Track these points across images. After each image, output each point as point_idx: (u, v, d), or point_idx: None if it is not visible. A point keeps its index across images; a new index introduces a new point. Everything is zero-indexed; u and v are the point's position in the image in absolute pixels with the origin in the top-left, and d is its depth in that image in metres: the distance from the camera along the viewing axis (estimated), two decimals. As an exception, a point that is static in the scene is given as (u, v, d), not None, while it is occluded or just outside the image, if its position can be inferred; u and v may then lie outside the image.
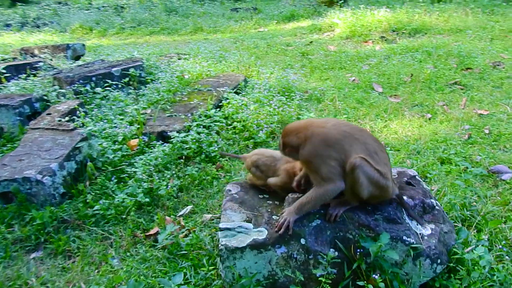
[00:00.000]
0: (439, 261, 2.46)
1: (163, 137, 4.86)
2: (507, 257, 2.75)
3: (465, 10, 11.23)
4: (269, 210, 2.74)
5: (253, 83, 6.44)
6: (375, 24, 10.37)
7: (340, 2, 13.11)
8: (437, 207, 2.73)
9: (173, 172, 4.34)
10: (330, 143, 2.50)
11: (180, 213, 3.93)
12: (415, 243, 2.41)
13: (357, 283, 2.39)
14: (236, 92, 5.93)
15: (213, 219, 3.75)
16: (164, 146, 4.55)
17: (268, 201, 2.85)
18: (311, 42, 10.03)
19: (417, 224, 2.58)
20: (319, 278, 2.42)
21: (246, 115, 5.13)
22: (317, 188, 2.51)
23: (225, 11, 15.09)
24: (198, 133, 4.77)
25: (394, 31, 10.18)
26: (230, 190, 2.95)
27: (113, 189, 4.04)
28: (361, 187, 2.43)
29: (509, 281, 2.48)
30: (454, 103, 5.78)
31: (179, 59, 7.71)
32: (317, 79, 7.19)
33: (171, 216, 3.83)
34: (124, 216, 3.79)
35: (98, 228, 3.69)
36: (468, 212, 3.28)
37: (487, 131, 4.79)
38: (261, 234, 2.52)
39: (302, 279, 2.44)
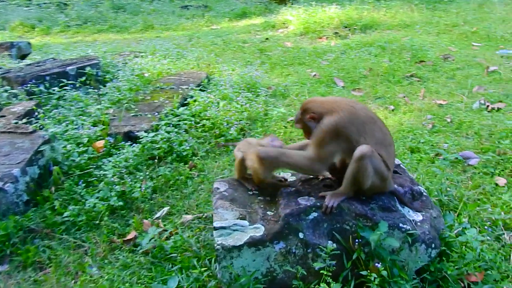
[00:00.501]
0: (433, 245, 2.51)
1: (130, 137, 4.66)
2: (488, 237, 2.86)
3: (411, 6, 11.68)
4: (262, 206, 2.68)
5: (216, 80, 6.34)
6: (327, 20, 10.54)
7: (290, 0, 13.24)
8: (424, 194, 2.79)
9: (146, 173, 4.17)
10: (355, 122, 2.48)
11: (157, 215, 3.78)
12: (411, 229, 2.45)
13: (360, 272, 2.38)
14: (200, 90, 5.80)
15: (194, 220, 3.64)
16: (133, 146, 4.36)
17: (258, 197, 2.78)
18: (266, 39, 10.04)
19: (409, 211, 2.61)
20: (320, 271, 2.39)
21: (214, 113, 5.03)
22: (306, 156, 2.55)
23: (175, 9, 14.79)
24: (168, 132, 4.62)
25: (346, 27, 10.39)
26: (218, 188, 2.85)
27: (82, 194, 3.82)
28: (366, 177, 2.42)
29: (498, 260, 2.58)
30: (414, 94, 5.97)
31: (136, 57, 7.45)
32: (278, 75, 7.20)
33: (148, 219, 3.67)
34: (97, 222, 3.60)
35: (70, 236, 3.47)
36: (446, 198, 3.38)
37: (449, 120, 4.98)
38: (258, 230, 2.45)
39: (305, 273, 2.40)
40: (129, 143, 4.43)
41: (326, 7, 11.25)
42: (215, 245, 2.43)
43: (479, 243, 2.54)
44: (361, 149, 2.41)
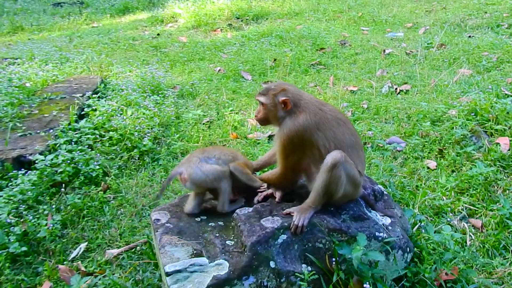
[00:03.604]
0: (408, 249, 2.35)
1: (22, 163, 3.88)
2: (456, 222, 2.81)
3: (297, -6, 11.84)
4: (217, 234, 2.27)
5: (113, 84, 5.65)
6: (217, 12, 10.21)
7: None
8: (385, 193, 2.62)
9: (51, 205, 3.47)
10: (321, 127, 2.29)
11: (73, 255, 3.17)
12: (387, 237, 2.24)
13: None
14: (99, 97, 5.10)
15: (121, 254, 3.09)
16: (29, 174, 3.61)
17: (209, 224, 2.36)
18: (158, 34, 9.38)
19: (377, 215, 2.41)
20: (299, 302, 2.08)
21: (121, 122, 4.42)
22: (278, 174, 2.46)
23: (46, 7, 13.26)
24: (70, 151, 3.92)
25: (238, 18, 10.16)
26: (158, 220, 2.37)
27: (-32, 245, 3.04)
28: (339, 185, 2.15)
29: (472, 255, 2.52)
30: (323, 82, 5.93)
31: (10, 64, 6.36)
32: (180, 72, 6.70)
33: (64, 262, 3.04)
34: (-4, 277, 2.88)
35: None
36: (390, 189, 3.29)
37: (365, 106, 4.99)
38: (222, 267, 2.05)
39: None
40: (22, 171, 3.66)
41: (214, -2, 10.92)
42: (172, 294, 1.98)
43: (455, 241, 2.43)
44: (333, 156, 2.14)
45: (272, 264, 2.10)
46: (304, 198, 2.35)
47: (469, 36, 7.00)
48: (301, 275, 2.09)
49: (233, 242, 2.20)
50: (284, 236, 2.16)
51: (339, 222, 2.23)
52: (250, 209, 2.36)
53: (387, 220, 2.40)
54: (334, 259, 2.16)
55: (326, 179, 2.17)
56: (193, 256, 2.11)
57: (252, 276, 2.07)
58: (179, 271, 2.02)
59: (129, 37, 9.13)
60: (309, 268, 2.14)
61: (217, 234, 2.26)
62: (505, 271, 2.58)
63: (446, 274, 2.36)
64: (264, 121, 2.53)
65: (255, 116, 2.56)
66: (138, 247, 3.13)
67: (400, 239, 2.30)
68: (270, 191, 2.50)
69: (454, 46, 6.61)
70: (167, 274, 2.01)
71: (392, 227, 2.35)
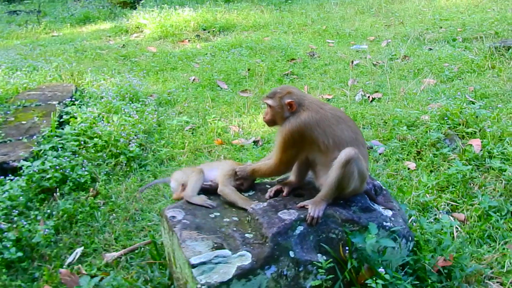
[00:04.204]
0: (410, 238, 2.52)
1: (4, 170, 3.78)
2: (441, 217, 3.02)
3: (261, 8, 12.11)
4: (235, 228, 2.34)
5: (90, 92, 5.58)
6: (183, 23, 10.25)
7: (138, 3, 12.57)
8: (384, 188, 2.79)
9: (43, 211, 3.40)
10: (321, 124, 2.44)
11: (69, 260, 3.13)
12: (393, 226, 2.40)
13: (361, 281, 2.24)
14: (80, 105, 5.03)
15: (120, 258, 3.08)
16: (16, 180, 3.52)
17: (224, 219, 2.43)
18: (123, 45, 9.30)
19: (379, 208, 2.57)
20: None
21: (105, 129, 4.38)
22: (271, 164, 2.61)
23: (1, 14, 12.80)
24: (58, 157, 3.85)
25: (204, 29, 10.25)
26: (174, 217, 2.41)
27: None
28: (352, 180, 2.30)
29: (462, 245, 2.73)
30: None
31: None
32: (155, 81, 6.70)
33: (63, 267, 2.99)
34: (-8, 285, 2.80)
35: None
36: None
37: (342, 113, 5.20)
38: (245, 258, 2.13)
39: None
40: (9, 177, 3.56)
41: (179, 9, 10.97)
42: (197, 285, 2.03)
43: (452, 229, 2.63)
44: (347, 153, 2.29)
45: (291, 254, 2.21)
46: (312, 193, 2.49)
47: (429, 49, 7.46)
48: (318, 264, 2.20)
49: (252, 235, 2.28)
50: (301, 228, 2.28)
51: (350, 213, 2.37)
52: (265, 203, 2.45)
53: (389, 213, 2.56)
54: (347, 248, 2.29)
55: (340, 174, 2.31)
56: (214, 249, 2.17)
57: (273, 265, 2.16)
58: (204, 263, 2.08)
59: (95, 46, 8.99)
60: (324, 257, 2.26)
61: (235, 228, 2.34)
62: (493, 257, 2.82)
63: (445, 260, 2.54)
64: (271, 122, 2.69)
65: (263, 118, 2.71)
66: (137, 250, 3.13)
67: (403, 229, 2.47)
68: (279, 186, 2.62)
69: (417, 57, 7.02)
70: (193, 266, 2.07)
71: (394, 218, 2.52)
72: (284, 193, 2.59)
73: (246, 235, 2.28)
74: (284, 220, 2.28)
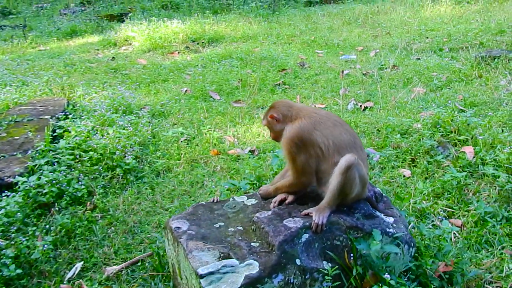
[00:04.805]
0: (412, 244, 2.55)
1: (0, 186, 3.73)
2: (439, 223, 3.06)
3: (249, 19, 12.21)
4: (240, 238, 2.35)
5: (82, 105, 5.56)
6: (172, 35, 10.29)
7: (126, 16, 12.60)
8: (384, 195, 2.83)
9: (40, 226, 3.37)
10: (318, 128, 2.49)
11: (69, 275, 3.09)
12: (396, 232, 2.43)
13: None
14: (73, 119, 5.01)
15: (121, 271, 3.06)
16: (12, 196, 3.49)
17: (229, 229, 2.44)
18: (113, 57, 9.29)
19: (380, 215, 2.60)
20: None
21: (100, 141, 4.37)
22: (291, 179, 2.61)
23: (-15, 30, 12.72)
24: (54, 171, 3.82)
25: (194, 41, 10.30)
26: (179, 228, 2.41)
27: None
28: (354, 186, 2.33)
29: (460, 250, 2.77)
30: (291, 100, 6.16)
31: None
32: (146, 93, 6.69)
33: (64, 282, 2.96)
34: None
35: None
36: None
37: (335, 122, 5.26)
38: (252, 267, 2.13)
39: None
40: (5, 194, 3.52)
41: (168, 22, 11.02)
42: (206, 296, 2.03)
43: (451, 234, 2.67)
44: (347, 159, 2.33)
45: (298, 261, 2.22)
46: (316, 200, 2.51)
47: (417, 59, 7.61)
48: (324, 271, 2.22)
49: (258, 244, 2.29)
50: (306, 235, 2.30)
51: (354, 220, 2.40)
52: (269, 212, 2.47)
53: (391, 219, 2.60)
54: (352, 254, 2.31)
55: (341, 180, 2.35)
56: (221, 259, 2.18)
57: (280, 273, 2.17)
58: (212, 273, 2.09)
59: (84, 60, 8.97)
60: (330, 265, 2.28)
61: (240, 238, 2.35)
62: (492, 262, 2.86)
63: (446, 265, 2.58)
64: (276, 139, 2.76)
65: (271, 136, 2.80)
66: (139, 263, 3.11)
67: (405, 235, 2.51)
68: (283, 195, 2.63)
69: (405, 67, 7.15)
70: (201, 277, 2.07)
71: (396, 225, 2.55)
72: (287, 201, 2.61)
73: (252, 244, 2.30)
74: (290, 228, 2.30)
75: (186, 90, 6.70)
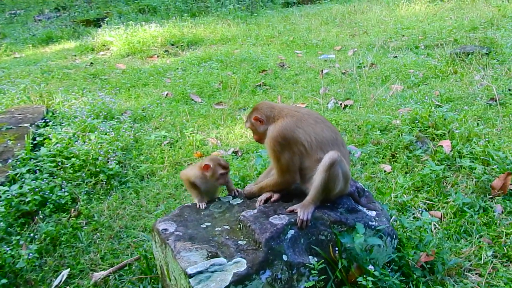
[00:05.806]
0: (394, 236, 2.62)
1: (-19, 196, 3.68)
2: (420, 215, 3.15)
3: (227, 22, 12.25)
4: (227, 237, 2.38)
5: (62, 112, 5.51)
6: (151, 39, 10.26)
7: (103, 21, 12.50)
8: (366, 190, 2.90)
9: (23, 235, 3.34)
10: (300, 125, 2.53)
11: (56, 283, 3.08)
12: (378, 225, 2.50)
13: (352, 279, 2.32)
14: (53, 126, 4.96)
15: (109, 276, 3.06)
16: (-6, 205, 3.45)
17: (216, 228, 2.47)
18: (91, 63, 9.21)
19: (363, 209, 2.67)
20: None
21: (82, 148, 4.34)
22: (275, 177, 2.65)
23: (-42, 37, 12.45)
24: (36, 179, 3.79)
25: (173, 44, 10.28)
26: (166, 229, 2.43)
27: None
28: (337, 182, 2.39)
29: (440, 240, 2.85)
30: (272, 101, 6.21)
31: None
32: (127, 98, 6.67)
33: (50, 290, 2.95)
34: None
35: None
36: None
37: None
38: (240, 265, 2.17)
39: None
40: (-14, 203, 3.49)
41: (146, 25, 10.98)
42: (196, 295, 2.06)
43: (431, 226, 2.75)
44: (330, 156, 2.38)
45: (284, 257, 2.27)
46: (300, 197, 2.57)
47: (394, 56, 7.75)
48: (310, 265, 2.27)
49: (245, 242, 2.33)
50: (292, 231, 2.35)
51: (338, 215, 2.47)
52: (255, 210, 2.51)
53: (373, 213, 2.67)
54: (337, 248, 2.37)
55: (325, 177, 2.40)
56: (209, 258, 2.21)
57: (268, 270, 2.22)
58: (200, 272, 2.12)
59: (62, 66, 8.88)
60: (316, 259, 2.33)
61: (227, 237, 2.38)
62: (470, 250, 2.96)
63: (427, 255, 2.67)
64: (259, 140, 2.80)
65: (254, 139, 2.83)
66: (126, 267, 3.11)
67: (387, 227, 2.58)
68: (268, 194, 2.68)
69: (383, 65, 7.28)
70: (190, 276, 2.10)
71: (378, 218, 2.62)
72: (273, 199, 2.65)
73: (239, 242, 2.34)
74: (276, 225, 2.35)
75: (167, 94, 6.69)
